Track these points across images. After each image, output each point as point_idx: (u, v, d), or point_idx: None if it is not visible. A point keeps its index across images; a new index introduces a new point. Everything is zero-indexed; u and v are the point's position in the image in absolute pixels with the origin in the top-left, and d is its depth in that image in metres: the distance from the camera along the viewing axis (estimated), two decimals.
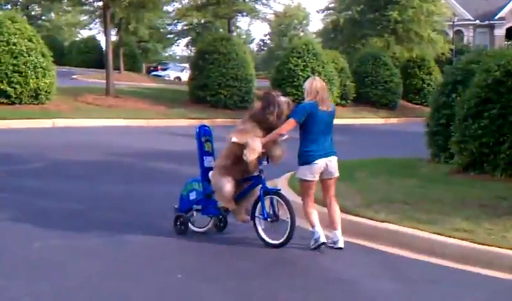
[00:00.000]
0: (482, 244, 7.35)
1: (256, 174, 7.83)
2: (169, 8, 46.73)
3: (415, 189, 10.71)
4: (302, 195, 8.05)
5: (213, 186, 7.95)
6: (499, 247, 7.22)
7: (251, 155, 7.55)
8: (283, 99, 7.78)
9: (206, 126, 8.50)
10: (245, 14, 46.04)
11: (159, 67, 61.08)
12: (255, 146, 7.54)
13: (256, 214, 7.81)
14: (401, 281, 6.72)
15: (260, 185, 7.81)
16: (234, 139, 7.65)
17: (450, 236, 7.64)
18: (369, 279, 6.74)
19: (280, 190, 8.10)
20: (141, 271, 6.72)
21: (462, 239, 7.52)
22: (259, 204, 7.78)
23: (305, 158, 7.77)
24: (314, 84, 7.81)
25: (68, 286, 6.12)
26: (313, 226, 7.80)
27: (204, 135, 8.31)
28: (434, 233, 7.80)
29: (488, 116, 11.95)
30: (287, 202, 7.70)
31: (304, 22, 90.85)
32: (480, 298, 6.29)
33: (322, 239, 7.69)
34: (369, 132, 27.94)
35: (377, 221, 8.44)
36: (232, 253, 7.60)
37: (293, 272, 7.02)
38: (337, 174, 7.99)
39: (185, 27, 51.90)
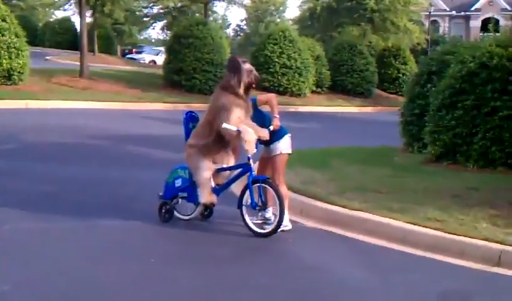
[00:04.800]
0: (454, 234, 7.40)
1: (243, 161, 7.75)
2: None
3: (388, 178, 10.76)
4: (284, 173, 7.98)
5: (192, 169, 7.86)
6: (470, 237, 7.28)
7: (250, 147, 7.47)
8: (247, 66, 7.69)
9: (193, 112, 8.35)
10: None
11: (133, 50, 60.65)
12: (250, 138, 7.44)
13: (244, 202, 7.73)
14: (372, 269, 6.75)
15: (248, 173, 7.71)
16: (225, 125, 7.47)
17: (422, 226, 7.69)
18: (340, 267, 6.76)
19: (269, 178, 7.86)
20: (113, 256, 6.69)
21: (434, 229, 7.57)
22: (247, 193, 7.68)
23: (284, 131, 7.90)
24: None
25: (38, 270, 6.07)
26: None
27: (191, 121, 8.20)
28: (406, 222, 7.84)
29: (462, 107, 12.03)
30: (276, 191, 7.58)
31: (281, 8, 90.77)
32: (450, 287, 6.34)
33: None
34: (343, 120, 28.02)
35: (350, 209, 8.46)
36: (208, 239, 7.57)
37: (267, 258, 7.02)
38: None
39: (161, 11, 51.47)
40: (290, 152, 7.97)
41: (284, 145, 7.89)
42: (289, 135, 7.97)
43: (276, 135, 7.82)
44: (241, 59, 7.79)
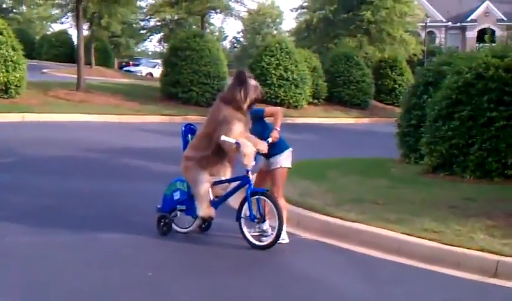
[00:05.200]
0: (450, 244, 7.42)
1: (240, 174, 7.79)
2: (142, 3, 46.67)
3: (385, 189, 10.78)
4: (283, 187, 7.97)
5: (190, 182, 7.87)
6: (466, 248, 7.29)
7: (249, 162, 7.49)
8: (253, 82, 7.69)
9: (191, 124, 8.37)
10: (218, 11, 46.04)
11: (130, 62, 60.79)
12: (248, 151, 7.45)
13: (242, 215, 7.73)
14: (369, 281, 6.76)
15: (247, 186, 7.72)
16: (224, 138, 7.46)
17: (418, 237, 7.71)
18: (338, 279, 6.77)
19: (268, 190, 7.88)
20: (112, 268, 6.68)
21: (431, 240, 7.59)
22: (245, 205, 7.69)
23: (287, 144, 7.97)
24: None
25: (38, 283, 6.07)
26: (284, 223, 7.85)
27: (189, 133, 8.21)
28: (403, 233, 7.86)
29: (458, 118, 12.07)
30: (275, 203, 7.57)
31: (278, 20, 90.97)
32: (447, 298, 6.35)
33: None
34: (340, 131, 28.04)
35: (347, 220, 8.48)
36: (206, 251, 7.57)
37: (265, 271, 7.03)
38: None
39: (158, 23, 51.67)
40: (289, 166, 7.99)
41: (284, 159, 7.91)
42: (291, 149, 8.01)
43: (277, 149, 7.85)
44: (247, 74, 7.80)
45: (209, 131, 7.72)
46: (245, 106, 7.60)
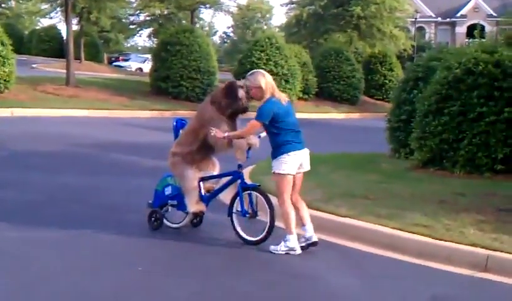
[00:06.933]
0: (441, 239, 7.43)
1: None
2: None
3: (375, 184, 10.78)
4: (281, 193, 7.46)
5: (178, 177, 7.88)
6: (457, 242, 7.31)
7: (242, 156, 7.55)
8: (240, 92, 7.60)
9: (183, 119, 8.36)
10: (208, 6, 45.97)
11: (120, 58, 60.57)
12: (241, 145, 7.52)
13: (234, 210, 7.71)
14: (360, 276, 6.77)
15: (239, 181, 7.69)
16: (214, 132, 7.46)
17: (409, 231, 7.72)
18: (329, 274, 6.77)
19: (259, 186, 7.88)
20: (101, 265, 6.65)
21: (421, 235, 7.60)
22: (237, 200, 7.66)
23: (285, 149, 7.40)
24: (268, 80, 7.44)
25: (25, 280, 6.03)
26: (291, 232, 7.36)
27: (181, 128, 8.18)
28: (394, 228, 7.86)
29: (448, 113, 12.08)
30: (266, 198, 7.52)
31: (267, 15, 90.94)
32: (438, 293, 6.35)
33: (299, 251, 7.37)
34: (330, 126, 28.06)
35: (338, 215, 8.48)
36: (198, 247, 7.54)
37: (256, 267, 7.01)
38: (308, 168, 7.84)
39: (147, 18, 51.49)
40: (275, 170, 7.51)
41: (275, 164, 7.51)
42: (289, 154, 7.50)
43: (275, 152, 7.66)
44: (237, 86, 7.72)
45: (195, 127, 7.80)
46: (227, 113, 7.67)
